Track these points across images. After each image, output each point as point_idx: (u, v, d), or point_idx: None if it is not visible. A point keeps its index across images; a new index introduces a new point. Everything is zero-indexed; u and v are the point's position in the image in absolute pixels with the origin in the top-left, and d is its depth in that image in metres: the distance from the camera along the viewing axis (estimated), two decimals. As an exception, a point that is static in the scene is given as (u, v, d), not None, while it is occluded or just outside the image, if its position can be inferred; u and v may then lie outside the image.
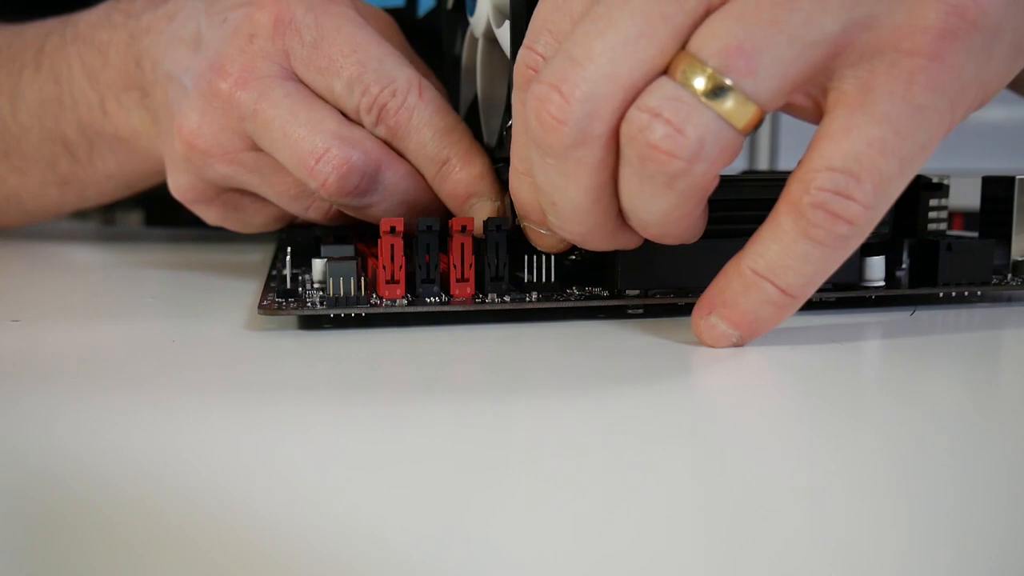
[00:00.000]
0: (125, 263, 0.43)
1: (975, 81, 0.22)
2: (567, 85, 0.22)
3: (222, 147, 0.33)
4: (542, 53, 0.24)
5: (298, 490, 0.16)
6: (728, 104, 0.22)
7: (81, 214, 0.61)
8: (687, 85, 0.22)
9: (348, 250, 0.30)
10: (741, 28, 0.21)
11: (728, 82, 0.22)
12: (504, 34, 0.31)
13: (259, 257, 0.43)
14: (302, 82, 0.32)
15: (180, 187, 0.36)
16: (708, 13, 0.22)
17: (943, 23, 0.21)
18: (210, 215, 0.37)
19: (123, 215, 0.62)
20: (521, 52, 0.25)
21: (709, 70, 0.22)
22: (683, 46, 0.22)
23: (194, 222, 0.59)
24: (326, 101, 0.32)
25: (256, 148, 0.33)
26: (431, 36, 0.40)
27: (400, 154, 0.32)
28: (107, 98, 0.40)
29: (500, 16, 0.31)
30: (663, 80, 0.22)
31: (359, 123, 0.32)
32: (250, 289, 0.34)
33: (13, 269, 0.43)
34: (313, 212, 0.34)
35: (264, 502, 0.15)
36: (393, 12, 0.48)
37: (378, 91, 0.31)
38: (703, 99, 0.22)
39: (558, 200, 0.24)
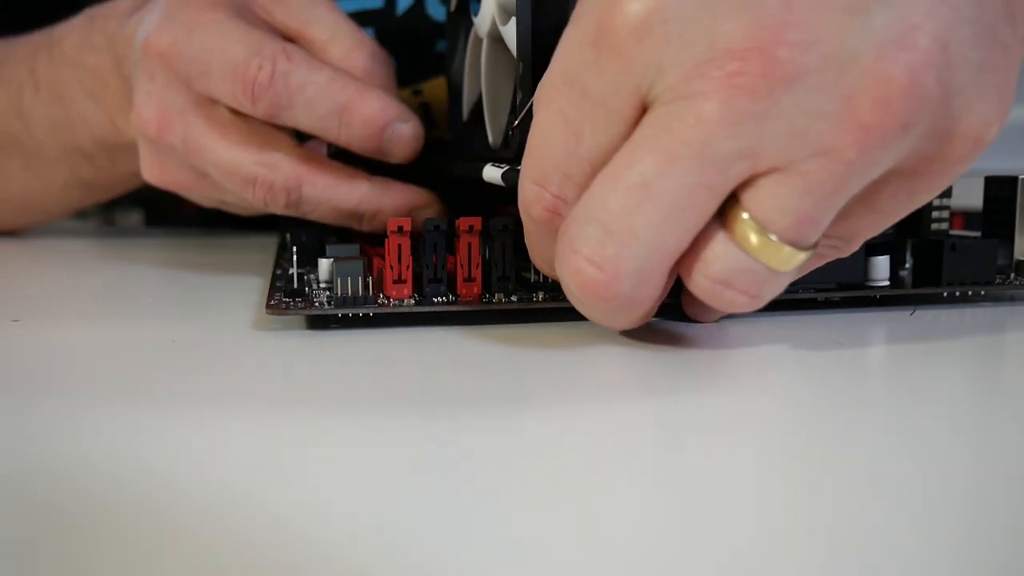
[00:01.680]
0: (125, 263, 0.43)
1: None
2: (610, 263, 0.22)
3: (186, 183, 0.37)
4: (560, 195, 0.23)
5: (307, 493, 0.16)
6: (790, 253, 0.22)
7: (81, 214, 0.61)
8: (748, 247, 0.22)
9: (354, 249, 0.30)
10: (811, 203, 0.21)
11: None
12: (509, 32, 0.31)
13: (259, 258, 0.43)
14: (206, 97, 0.34)
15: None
16: (753, 176, 0.21)
17: (967, 153, 0.22)
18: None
19: (123, 215, 0.62)
20: (530, 188, 0.24)
21: (773, 235, 0.21)
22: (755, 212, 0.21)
23: (194, 222, 0.59)
24: (231, 110, 0.34)
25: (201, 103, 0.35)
26: (410, 35, 0.41)
27: (294, 127, 0.34)
28: (116, 116, 0.42)
29: (505, 15, 0.32)
30: (722, 241, 0.22)
31: (251, 114, 0.34)
32: (251, 289, 0.34)
33: (13, 269, 0.43)
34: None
35: (269, 504, 0.15)
36: (371, 13, 0.48)
37: (244, 69, 0.32)
38: (767, 260, 0.22)
39: (605, 322, 0.24)
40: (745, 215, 0.21)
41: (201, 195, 0.37)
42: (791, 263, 0.22)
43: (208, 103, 0.34)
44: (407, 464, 0.17)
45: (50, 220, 0.52)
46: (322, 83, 0.32)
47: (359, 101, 0.32)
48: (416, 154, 0.35)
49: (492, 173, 0.29)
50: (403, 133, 0.33)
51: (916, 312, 0.30)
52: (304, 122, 0.33)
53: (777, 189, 0.21)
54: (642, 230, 0.21)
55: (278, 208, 0.34)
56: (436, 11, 0.49)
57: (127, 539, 0.14)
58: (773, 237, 0.21)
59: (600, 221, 0.22)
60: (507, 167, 0.29)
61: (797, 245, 0.22)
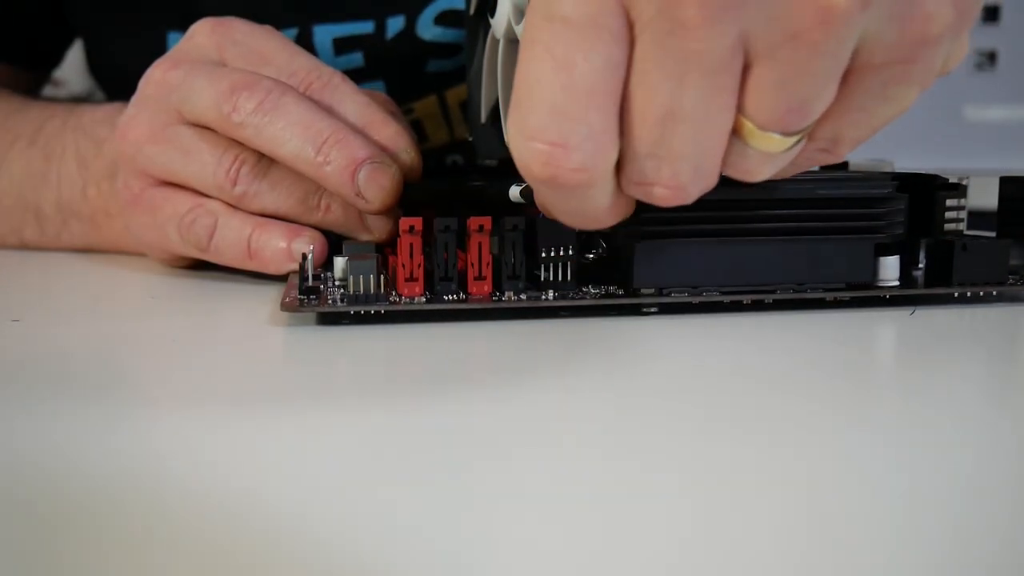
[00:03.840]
0: (125, 262, 0.43)
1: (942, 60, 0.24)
2: (672, 180, 0.24)
3: (151, 125, 0.36)
4: (559, 142, 0.23)
5: (320, 492, 0.16)
6: (798, 139, 0.24)
7: None
8: (761, 147, 0.24)
9: (368, 248, 0.32)
10: (784, 95, 0.22)
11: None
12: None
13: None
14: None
15: (152, 247, 0.39)
16: (749, 63, 0.22)
17: (924, 33, 0.22)
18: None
19: None
20: (523, 146, 0.23)
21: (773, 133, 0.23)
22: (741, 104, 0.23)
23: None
24: None
25: (181, 121, 0.36)
26: (401, 58, 0.42)
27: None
28: (89, 183, 0.44)
29: (520, 15, 0.33)
30: (739, 143, 0.24)
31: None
32: (254, 287, 0.35)
33: (13, 269, 0.44)
34: (241, 184, 0.36)
35: (280, 500, 0.16)
36: (362, 38, 0.50)
37: (305, 74, 0.36)
38: (781, 152, 0.24)
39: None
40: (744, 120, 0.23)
41: (159, 152, 0.37)
42: (783, 146, 0.24)
43: None
44: (414, 462, 0.18)
45: None
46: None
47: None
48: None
49: (514, 192, 0.31)
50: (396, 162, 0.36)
51: (925, 311, 0.30)
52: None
53: (759, 84, 0.22)
54: (685, 148, 0.23)
55: (249, 114, 0.34)
56: (426, 32, 0.51)
57: (128, 541, 0.14)
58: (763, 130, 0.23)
59: (648, 155, 0.23)
60: (525, 184, 0.30)
61: (787, 132, 0.23)
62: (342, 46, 0.51)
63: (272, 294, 0.34)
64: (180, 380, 0.23)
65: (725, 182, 0.25)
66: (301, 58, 0.37)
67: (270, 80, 0.35)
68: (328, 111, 0.35)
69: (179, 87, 0.36)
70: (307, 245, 0.34)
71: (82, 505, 0.15)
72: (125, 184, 0.38)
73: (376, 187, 0.34)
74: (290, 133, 0.34)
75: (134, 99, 0.38)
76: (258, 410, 0.21)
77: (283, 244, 0.35)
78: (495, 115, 0.37)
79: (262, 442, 0.19)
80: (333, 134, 0.34)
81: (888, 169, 0.33)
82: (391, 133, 0.36)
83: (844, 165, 0.38)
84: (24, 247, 0.47)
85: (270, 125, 0.34)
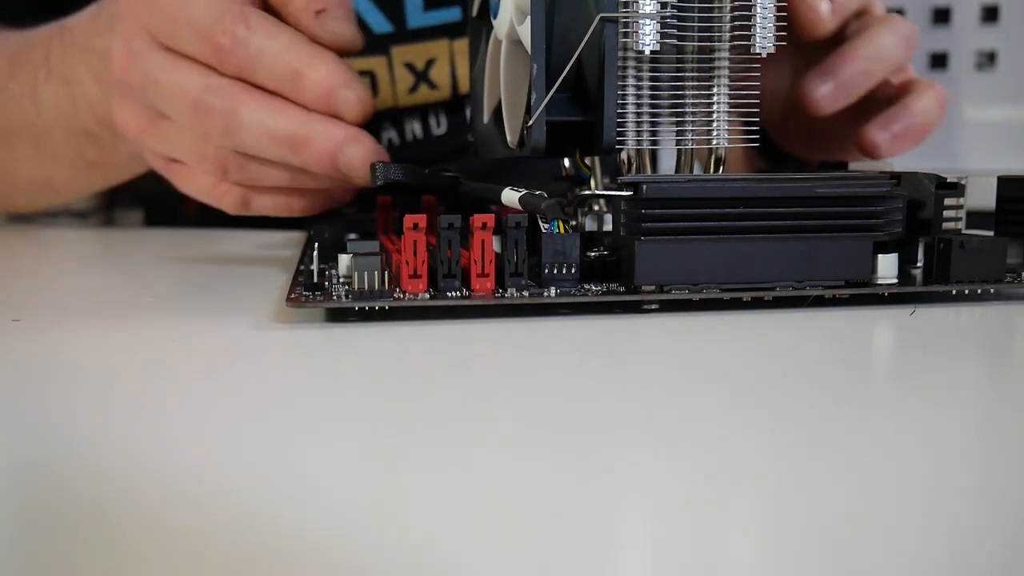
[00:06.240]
0: (125, 262, 0.44)
1: None
2: None
3: (141, 123, 0.39)
4: None
5: (321, 490, 0.17)
6: None
7: (81, 214, 0.64)
8: None
9: (373, 246, 0.33)
10: None
11: None
12: (525, 31, 0.33)
13: (257, 256, 0.45)
14: (169, 49, 0.38)
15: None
16: None
17: None
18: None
19: (123, 215, 0.64)
20: None
21: None
22: None
23: (194, 221, 0.61)
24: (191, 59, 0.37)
25: (164, 116, 0.39)
26: None
27: (262, 87, 0.37)
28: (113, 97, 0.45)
29: (522, 15, 0.34)
30: None
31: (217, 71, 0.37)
32: (255, 287, 0.36)
33: (13, 267, 0.44)
34: (235, 173, 0.39)
35: (279, 500, 0.16)
36: None
37: (209, 33, 0.36)
38: None
39: None
40: None
41: (156, 143, 0.40)
42: None
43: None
44: (419, 454, 0.19)
45: (62, 202, 0.57)
46: (278, 49, 0.36)
47: (310, 67, 0.36)
48: (366, 117, 0.37)
49: (510, 196, 0.32)
50: (349, 98, 0.36)
51: (923, 309, 0.31)
52: (267, 84, 0.37)
53: None
54: None
55: (216, 134, 0.37)
56: None
57: (130, 540, 0.15)
58: None
59: None
60: (524, 191, 0.32)
61: None
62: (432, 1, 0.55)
63: (274, 293, 0.35)
64: (181, 379, 0.24)
65: (727, 180, 0.26)
66: (200, 15, 0.37)
67: (218, 99, 0.36)
68: (251, 75, 0.36)
69: (144, 92, 0.38)
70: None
71: (83, 505, 0.16)
72: (133, 112, 0.40)
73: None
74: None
75: (111, 91, 0.40)
76: (259, 408, 0.21)
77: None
78: (497, 115, 0.38)
79: (263, 440, 0.19)
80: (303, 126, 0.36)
81: (887, 168, 0.34)
82: (324, 71, 0.36)
83: (844, 165, 0.39)
84: (94, 167, 0.50)
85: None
